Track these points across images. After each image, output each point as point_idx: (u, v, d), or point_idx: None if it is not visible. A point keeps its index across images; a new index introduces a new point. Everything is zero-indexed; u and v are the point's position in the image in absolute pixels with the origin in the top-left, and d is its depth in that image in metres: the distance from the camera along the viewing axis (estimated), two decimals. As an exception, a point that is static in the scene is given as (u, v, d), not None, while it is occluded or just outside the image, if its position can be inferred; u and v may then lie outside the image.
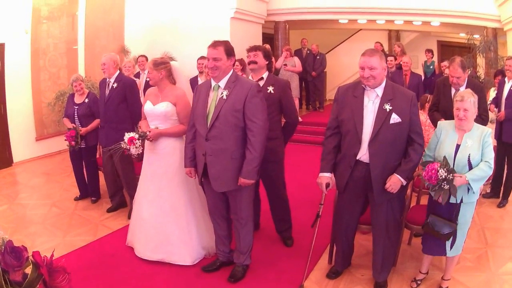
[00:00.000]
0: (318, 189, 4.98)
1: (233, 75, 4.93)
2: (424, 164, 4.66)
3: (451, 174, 4.48)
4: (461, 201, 4.67)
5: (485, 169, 4.54)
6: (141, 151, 5.60)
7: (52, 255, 2.50)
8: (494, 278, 5.45)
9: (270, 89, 5.68)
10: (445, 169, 4.50)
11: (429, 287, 5.23)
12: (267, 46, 10.51)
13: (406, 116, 4.55)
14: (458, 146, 4.69)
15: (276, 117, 5.77)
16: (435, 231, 4.73)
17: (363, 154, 4.64)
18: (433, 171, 4.52)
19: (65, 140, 7.48)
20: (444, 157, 4.65)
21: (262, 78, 5.78)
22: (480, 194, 5.06)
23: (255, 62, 5.77)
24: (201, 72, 8.71)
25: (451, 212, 4.73)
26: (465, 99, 4.64)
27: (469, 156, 4.58)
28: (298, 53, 15.03)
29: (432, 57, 13.55)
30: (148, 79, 6.32)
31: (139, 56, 10.89)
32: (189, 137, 5.19)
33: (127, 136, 5.51)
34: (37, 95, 11.01)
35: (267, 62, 5.83)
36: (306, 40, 16.01)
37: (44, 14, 11.01)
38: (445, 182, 4.48)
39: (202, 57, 8.46)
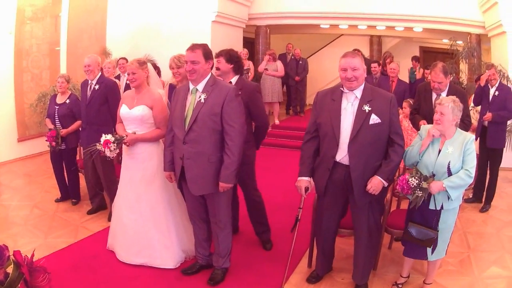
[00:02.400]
0: (299, 194, 5.00)
1: (211, 78, 4.95)
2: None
3: (423, 181, 4.53)
4: (442, 207, 4.68)
5: (464, 177, 4.53)
6: (116, 154, 5.60)
7: (33, 255, 2.53)
8: (478, 282, 5.51)
9: None
10: (416, 176, 4.55)
11: (410, 291, 5.27)
12: (244, 50, 10.54)
13: (385, 117, 4.58)
14: (439, 152, 4.70)
15: (245, 121, 5.76)
16: (416, 239, 4.75)
17: (343, 156, 4.66)
18: (404, 181, 4.59)
19: (46, 140, 7.48)
20: (415, 167, 4.73)
21: (230, 83, 5.71)
22: (462, 200, 5.09)
23: (218, 69, 5.78)
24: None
25: (431, 219, 4.75)
26: (443, 103, 4.67)
27: (449, 164, 4.59)
28: (282, 58, 15.06)
29: (418, 65, 13.57)
30: (128, 82, 6.30)
31: (119, 59, 10.81)
32: (168, 140, 5.20)
33: (104, 138, 5.51)
34: (19, 96, 10.96)
35: (231, 66, 5.78)
36: (291, 45, 15.96)
37: (28, 14, 10.97)
38: (418, 189, 4.52)
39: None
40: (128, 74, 5.56)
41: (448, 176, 4.59)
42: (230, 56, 5.79)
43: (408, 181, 4.55)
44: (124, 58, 10.71)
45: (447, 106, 4.65)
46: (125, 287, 5.20)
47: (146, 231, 5.59)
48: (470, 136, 4.75)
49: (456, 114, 4.69)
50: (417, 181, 4.52)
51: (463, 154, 4.60)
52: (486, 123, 7.86)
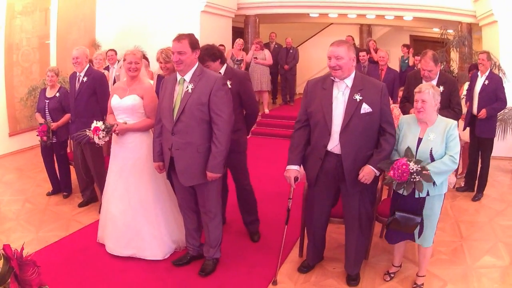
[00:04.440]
0: (287, 183, 4.99)
1: (198, 68, 4.94)
2: (388, 165, 4.61)
3: (418, 165, 4.46)
4: (427, 194, 4.67)
5: (448, 163, 4.51)
6: (104, 142, 5.60)
7: (22, 249, 2.54)
8: (471, 271, 5.49)
9: (228, 83, 5.53)
10: (413, 161, 4.48)
11: (402, 280, 5.26)
12: (240, 40, 10.52)
13: (376, 106, 4.59)
14: (420, 140, 4.69)
15: (237, 109, 5.72)
16: (403, 226, 4.74)
17: (334, 145, 4.65)
18: (404, 167, 4.43)
19: (37, 135, 7.47)
20: (408, 148, 4.64)
21: (219, 74, 5.64)
22: (453, 187, 5.05)
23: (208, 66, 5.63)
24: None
25: (416, 206, 4.74)
26: (422, 90, 4.67)
27: (431, 150, 4.59)
28: (266, 47, 14.90)
29: (408, 52, 13.53)
30: (118, 74, 6.27)
31: (108, 50, 10.75)
32: (157, 131, 5.20)
33: (94, 124, 5.51)
34: (10, 91, 10.92)
35: (218, 61, 5.69)
36: (274, 34, 16.08)
37: (18, 9, 10.91)
38: (415, 174, 4.43)
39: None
40: (130, 63, 5.50)
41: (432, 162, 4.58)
42: (213, 54, 5.66)
43: (409, 165, 4.44)
44: (113, 50, 10.67)
45: (427, 92, 4.65)
46: (116, 280, 5.20)
47: (135, 222, 5.59)
48: (452, 122, 4.73)
49: (436, 99, 4.70)
50: (416, 166, 4.43)
51: (446, 140, 4.59)
52: (475, 111, 7.85)
